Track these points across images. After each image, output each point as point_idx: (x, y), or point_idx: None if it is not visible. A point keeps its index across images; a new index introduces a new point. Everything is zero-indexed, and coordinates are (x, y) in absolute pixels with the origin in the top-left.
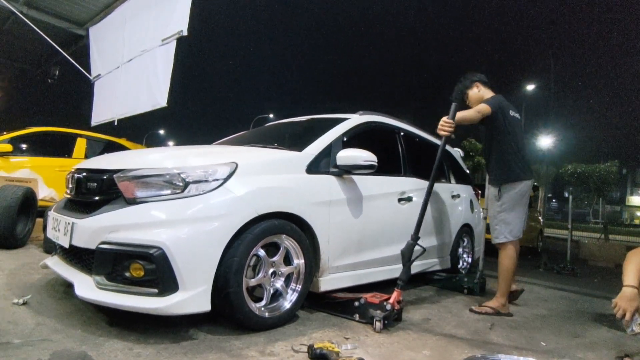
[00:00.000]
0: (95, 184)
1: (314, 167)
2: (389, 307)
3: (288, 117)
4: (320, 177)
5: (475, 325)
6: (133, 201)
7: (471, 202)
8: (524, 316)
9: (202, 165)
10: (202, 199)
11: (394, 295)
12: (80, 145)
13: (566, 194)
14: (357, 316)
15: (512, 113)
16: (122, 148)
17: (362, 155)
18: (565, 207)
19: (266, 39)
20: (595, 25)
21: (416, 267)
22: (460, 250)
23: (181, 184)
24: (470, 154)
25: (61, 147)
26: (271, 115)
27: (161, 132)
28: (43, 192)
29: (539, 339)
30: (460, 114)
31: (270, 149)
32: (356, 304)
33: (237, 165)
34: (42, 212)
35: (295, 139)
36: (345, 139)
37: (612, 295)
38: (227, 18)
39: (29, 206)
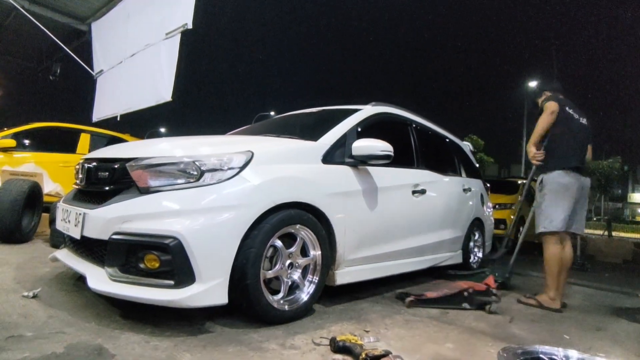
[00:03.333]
0: (107, 173)
1: (329, 157)
2: (494, 291)
3: None
4: (336, 168)
5: (495, 318)
6: (146, 190)
7: (482, 195)
8: (543, 310)
9: (217, 153)
10: (218, 188)
11: (491, 280)
12: (84, 140)
13: None
14: (466, 305)
15: (568, 109)
16: None
17: (378, 145)
18: None
19: (273, 32)
20: (597, 23)
21: (428, 261)
22: (472, 244)
23: (196, 173)
24: (473, 151)
25: (65, 142)
26: (272, 113)
27: (162, 130)
28: (48, 187)
29: (562, 332)
30: (540, 126)
31: (285, 138)
32: (465, 294)
33: (253, 153)
34: (48, 207)
35: (309, 130)
36: (359, 129)
37: (629, 290)
38: (234, 10)
39: (34, 200)
